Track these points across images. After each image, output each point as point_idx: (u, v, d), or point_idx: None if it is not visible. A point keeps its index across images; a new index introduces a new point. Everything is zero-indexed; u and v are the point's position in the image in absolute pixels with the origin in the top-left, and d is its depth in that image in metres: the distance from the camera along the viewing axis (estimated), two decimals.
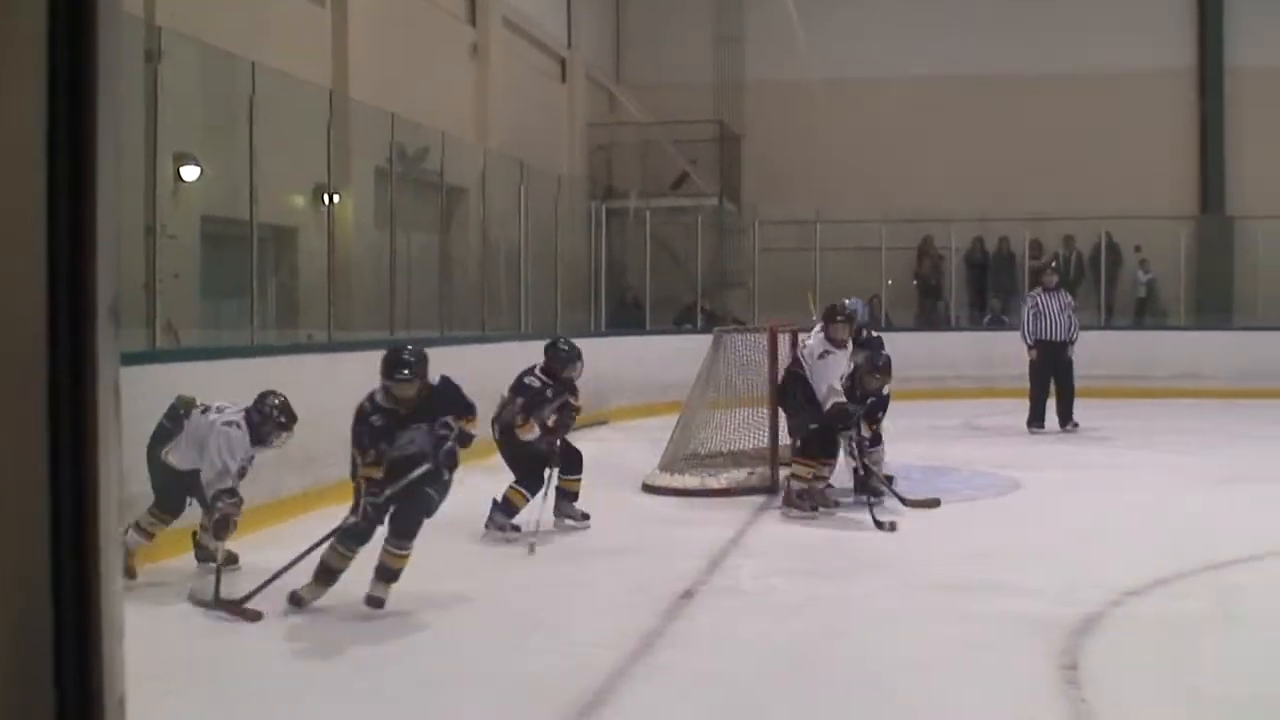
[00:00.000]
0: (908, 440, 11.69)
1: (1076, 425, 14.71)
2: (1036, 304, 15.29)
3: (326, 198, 11.91)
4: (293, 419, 7.47)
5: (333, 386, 8.59)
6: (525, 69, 19.96)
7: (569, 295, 17.45)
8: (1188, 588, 7.33)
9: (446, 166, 13.95)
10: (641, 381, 17.22)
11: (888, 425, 10.33)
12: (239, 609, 6.59)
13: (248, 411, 7.36)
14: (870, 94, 23.74)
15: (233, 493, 7.04)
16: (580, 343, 16.34)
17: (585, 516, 9.21)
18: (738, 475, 10.78)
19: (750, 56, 24.18)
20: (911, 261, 22.86)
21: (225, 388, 8.72)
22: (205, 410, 7.33)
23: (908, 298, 22.58)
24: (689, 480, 10.75)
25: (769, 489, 10.52)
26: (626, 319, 20.13)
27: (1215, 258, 22.95)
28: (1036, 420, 14.99)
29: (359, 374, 8.01)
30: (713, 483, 10.61)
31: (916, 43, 23.91)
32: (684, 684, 5.53)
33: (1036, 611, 6.52)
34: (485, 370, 12.96)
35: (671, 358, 16.02)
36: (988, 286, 22.47)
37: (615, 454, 13.54)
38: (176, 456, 7.28)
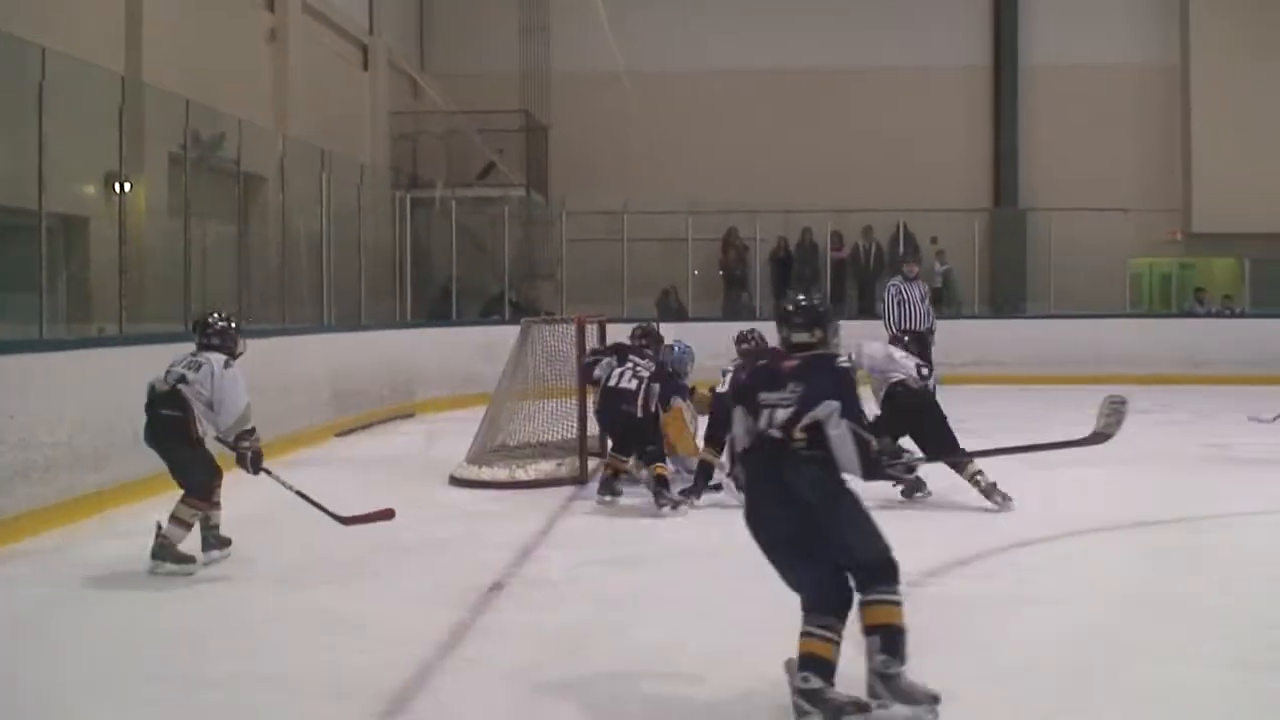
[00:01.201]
0: None
1: None
2: (900, 293, 14.82)
3: (118, 186, 11.46)
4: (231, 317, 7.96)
5: (125, 381, 8.24)
6: (326, 55, 19.56)
7: (374, 286, 17.17)
8: (987, 568, 7.53)
9: (244, 154, 13.54)
10: (449, 373, 17.04)
11: None
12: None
13: (207, 343, 7.70)
14: (676, 87, 23.95)
15: (253, 430, 7.60)
16: (386, 334, 16.34)
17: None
18: (546, 467, 10.71)
19: (557, 47, 24.14)
20: (717, 252, 23.08)
21: (11, 385, 8.38)
22: (182, 378, 7.50)
23: (713, 289, 22.79)
24: (497, 473, 10.65)
25: (578, 480, 10.49)
26: (436, 309, 19.93)
27: (1009, 249, 23.73)
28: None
29: (152, 368, 7.74)
30: (521, 474, 10.51)
31: (720, 37, 24.21)
32: (492, 677, 5.44)
33: None
34: (285, 362, 12.74)
35: (479, 349, 15.91)
36: (791, 277, 22.79)
37: (422, 447, 13.41)
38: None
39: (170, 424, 7.48)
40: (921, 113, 24.19)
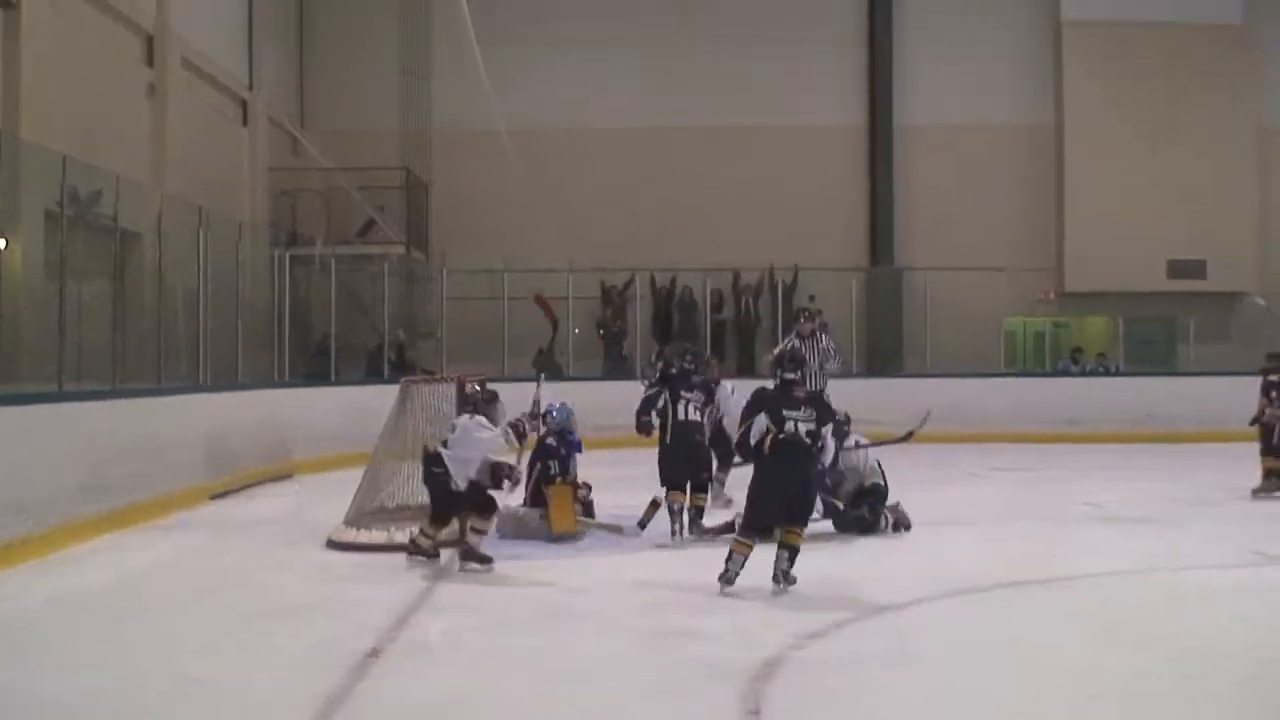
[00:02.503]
0: (603, 491, 11.77)
1: None
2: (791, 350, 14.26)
3: None
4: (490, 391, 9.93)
5: None
6: (205, 111, 19.41)
7: (251, 344, 16.98)
8: (865, 629, 7.64)
9: (121, 211, 13.40)
10: (327, 432, 16.86)
11: None
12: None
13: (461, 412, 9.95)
14: (556, 144, 24.11)
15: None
16: (263, 393, 16.16)
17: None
18: None
19: (437, 105, 24.22)
20: (596, 309, 23.21)
21: None
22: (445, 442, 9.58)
23: (593, 346, 22.90)
24: (375, 535, 10.57)
25: (457, 543, 10.45)
26: (316, 367, 19.76)
27: (885, 307, 24.13)
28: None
29: (23, 427, 7.62)
30: (400, 537, 10.42)
31: (600, 95, 24.43)
32: None
33: (722, 657, 6.69)
34: (159, 422, 12.56)
35: (358, 408, 15.74)
36: (671, 333, 22.96)
37: (299, 509, 13.24)
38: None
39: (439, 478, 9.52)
40: (799, 171, 24.60)
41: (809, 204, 24.46)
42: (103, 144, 14.72)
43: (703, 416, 11.15)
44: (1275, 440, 13.75)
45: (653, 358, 12.70)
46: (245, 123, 21.35)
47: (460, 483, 9.42)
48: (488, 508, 9.53)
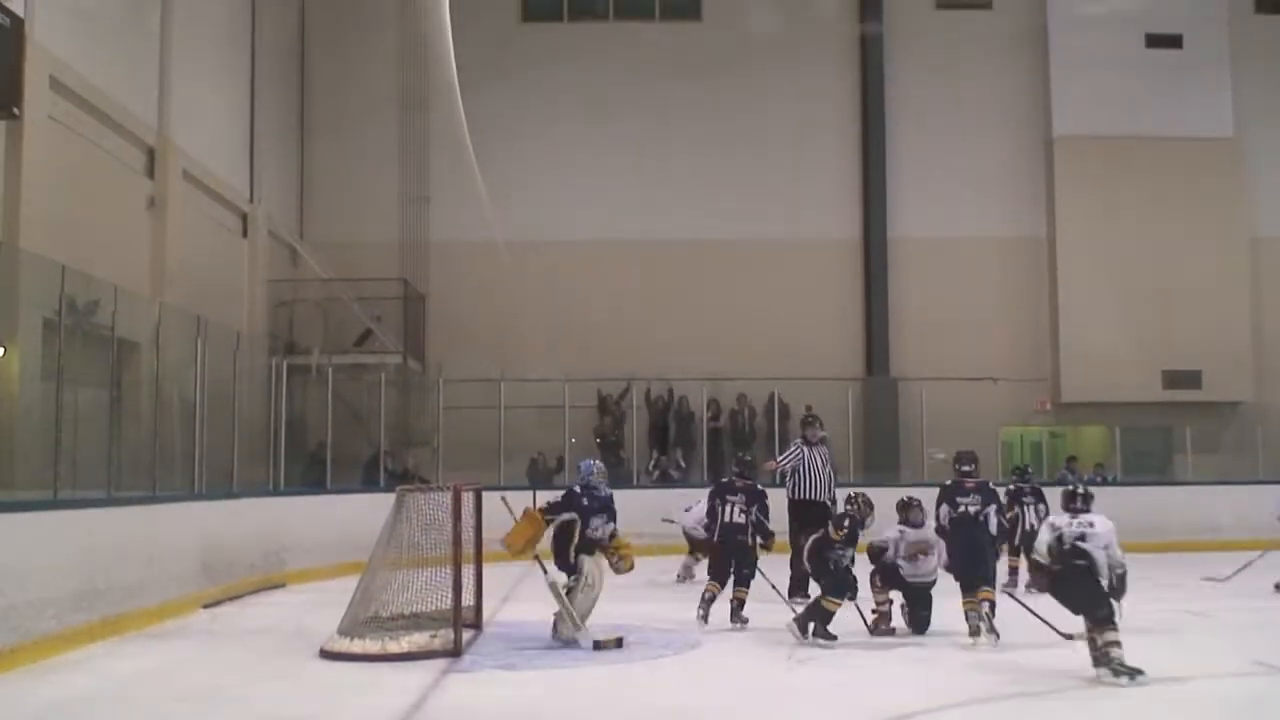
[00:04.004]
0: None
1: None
2: (802, 458, 14.02)
3: None
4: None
5: None
6: (205, 223, 19.60)
7: (247, 452, 16.95)
8: None
9: (119, 320, 13.44)
10: (322, 541, 16.80)
11: None
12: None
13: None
14: (553, 256, 24.35)
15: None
16: (258, 502, 16.10)
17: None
18: (420, 639, 10.54)
19: (435, 217, 24.51)
20: (593, 418, 23.24)
21: None
22: None
23: (590, 455, 22.85)
24: (369, 645, 10.46)
25: (451, 652, 10.36)
26: (312, 476, 19.72)
27: (881, 417, 24.18)
28: (800, 589, 13.02)
29: (22, 534, 7.59)
30: (394, 646, 10.34)
31: (597, 208, 24.74)
32: None
33: None
34: (153, 530, 12.51)
35: (354, 517, 15.71)
36: (669, 443, 23.00)
37: (293, 618, 13.13)
38: None
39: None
40: (794, 284, 24.82)
41: (804, 314, 24.67)
42: (103, 254, 14.85)
43: (746, 518, 12.25)
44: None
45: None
46: (245, 234, 21.55)
47: None
48: None
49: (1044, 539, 9.61)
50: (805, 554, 11.82)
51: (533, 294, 24.00)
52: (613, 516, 11.20)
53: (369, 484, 19.86)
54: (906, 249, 25.24)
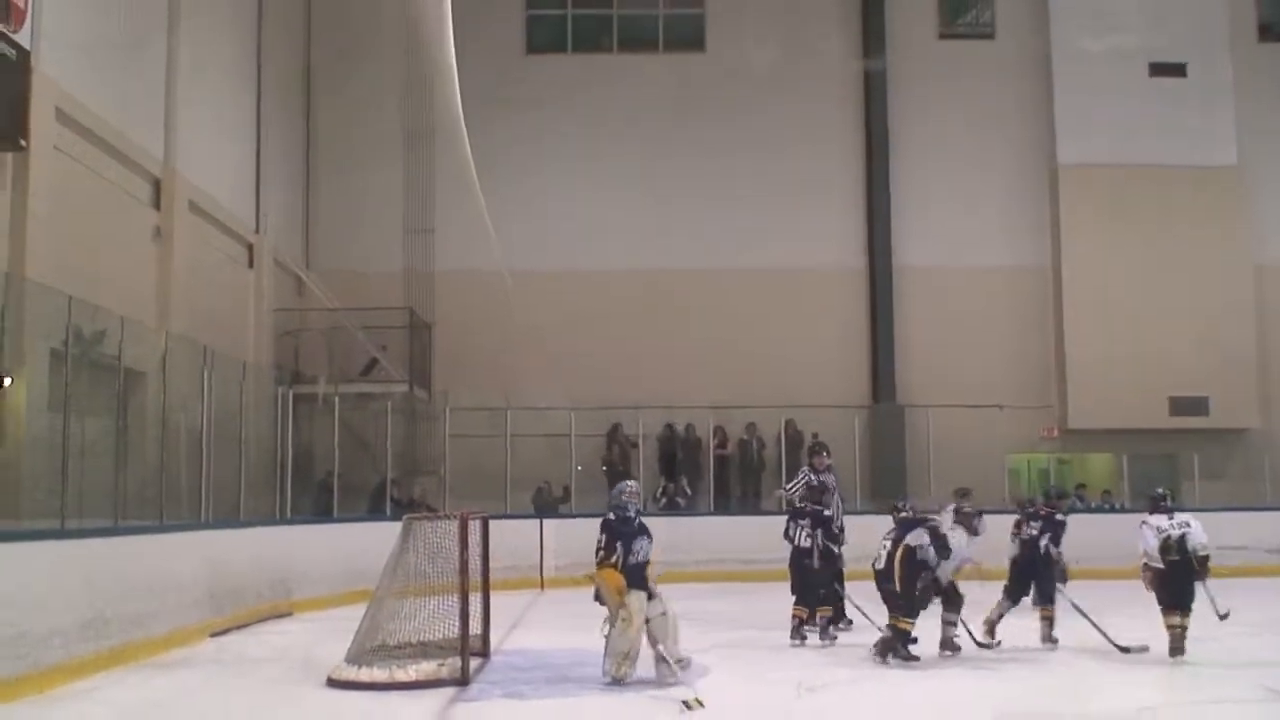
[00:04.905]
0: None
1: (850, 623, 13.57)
2: (810, 484, 13.84)
3: None
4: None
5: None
6: (211, 253, 19.63)
7: (254, 482, 16.94)
8: None
9: (126, 350, 13.46)
10: (329, 570, 16.77)
11: None
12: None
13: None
14: (559, 285, 24.37)
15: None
16: (265, 530, 16.09)
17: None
18: (428, 667, 10.51)
19: (440, 246, 24.53)
20: (600, 447, 23.20)
21: None
22: None
23: (598, 483, 22.81)
24: (376, 673, 10.42)
25: (459, 680, 10.33)
26: (317, 505, 19.70)
27: (888, 444, 24.15)
28: (841, 616, 13.47)
29: (30, 563, 7.58)
30: (401, 675, 10.30)
31: (603, 237, 24.80)
32: None
33: None
34: (160, 559, 12.49)
35: (361, 545, 15.67)
36: (677, 472, 22.97)
37: (300, 647, 13.09)
38: None
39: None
40: (800, 313, 24.84)
41: (810, 343, 24.68)
42: (109, 284, 14.87)
43: (812, 541, 12.96)
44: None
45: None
46: (251, 264, 21.58)
47: None
48: None
49: (1151, 542, 11.36)
50: (897, 571, 11.50)
51: (539, 322, 23.97)
52: (650, 536, 10.66)
53: (376, 513, 19.82)
54: (912, 277, 25.26)
